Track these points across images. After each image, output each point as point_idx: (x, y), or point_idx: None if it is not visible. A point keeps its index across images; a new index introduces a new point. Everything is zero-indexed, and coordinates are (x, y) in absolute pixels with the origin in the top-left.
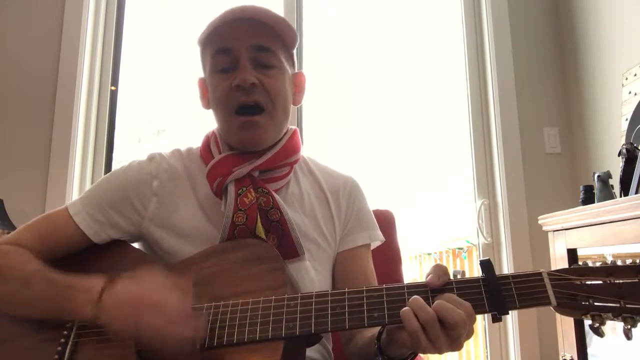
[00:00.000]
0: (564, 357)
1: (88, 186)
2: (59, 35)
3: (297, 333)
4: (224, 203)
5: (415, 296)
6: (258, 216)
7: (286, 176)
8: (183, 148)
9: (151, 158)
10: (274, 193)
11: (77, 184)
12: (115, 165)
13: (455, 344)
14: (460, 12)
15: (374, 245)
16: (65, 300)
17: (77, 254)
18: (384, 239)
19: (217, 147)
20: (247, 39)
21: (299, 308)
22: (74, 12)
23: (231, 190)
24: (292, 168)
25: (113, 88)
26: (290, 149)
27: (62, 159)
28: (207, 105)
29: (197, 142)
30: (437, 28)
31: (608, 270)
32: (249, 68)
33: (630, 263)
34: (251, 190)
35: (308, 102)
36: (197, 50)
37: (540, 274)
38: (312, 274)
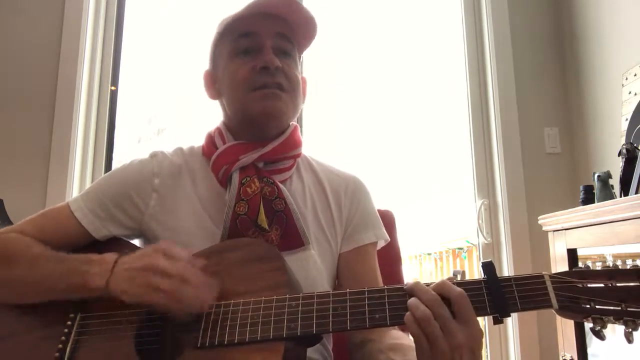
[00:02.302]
0: (564, 357)
1: (88, 186)
2: (59, 35)
3: (299, 333)
4: (227, 192)
5: (416, 280)
6: (262, 206)
7: (290, 169)
8: (185, 147)
9: (153, 155)
10: (279, 183)
11: (77, 184)
12: (115, 165)
13: (465, 333)
14: (460, 12)
15: (380, 245)
16: (77, 273)
17: (78, 251)
18: (389, 239)
19: (222, 138)
20: (273, 26)
21: (300, 308)
22: (74, 12)
23: (235, 179)
24: (296, 161)
25: (113, 88)
26: (293, 142)
27: (62, 159)
28: (214, 95)
29: (197, 142)
30: (437, 28)
31: (610, 273)
32: (272, 53)
33: (632, 267)
34: (255, 180)
35: (309, 102)
36: (196, 50)
37: (542, 276)
38: (319, 263)
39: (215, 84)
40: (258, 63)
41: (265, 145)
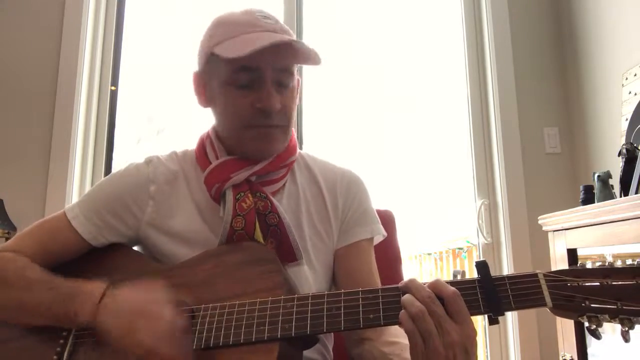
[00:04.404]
0: (564, 357)
1: (88, 186)
2: (59, 35)
3: (293, 334)
4: (222, 208)
5: (411, 278)
6: (256, 221)
7: (283, 177)
8: (179, 150)
9: (148, 161)
10: (271, 197)
11: (77, 184)
12: (115, 166)
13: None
14: (460, 12)
15: (377, 240)
16: (67, 303)
17: (77, 258)
18: (386, 234)
19: (214, 151)
20: (274, 60)
21: (295, 309)
22: (74, 12)
23: (229, 195)
24: (290, 169)
25: (113, 88)
26: (287, 152)
27: (62, 159)
28: (205, 103)
29: (195, 143)
30: (437, 28)
31: (605, 272)
32: (273, 91)
33: (628, 265)
34: (249, 195)
35: (308, 102)
36: (195, 50)
37: (536, 274)
38: (310, 278)
39: (205, 89)
40: (257, 102)
41: (257, 162)
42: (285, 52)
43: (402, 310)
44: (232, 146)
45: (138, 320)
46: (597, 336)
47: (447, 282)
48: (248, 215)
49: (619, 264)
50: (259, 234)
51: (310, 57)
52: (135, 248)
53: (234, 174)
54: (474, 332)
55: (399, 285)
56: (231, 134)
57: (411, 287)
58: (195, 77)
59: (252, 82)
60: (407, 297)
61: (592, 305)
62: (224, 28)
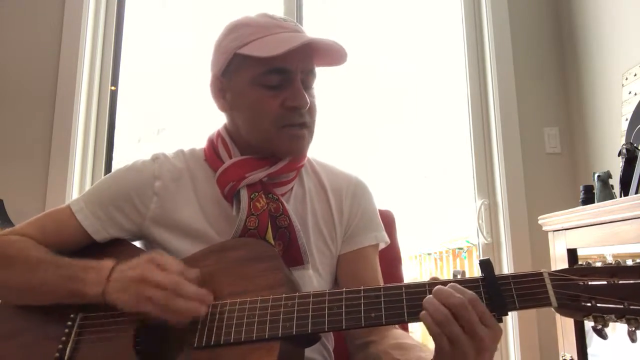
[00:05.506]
0: (564, 357)
1: (88, 186)
2: (59, 35)
3: (294, 333)
4: (235, 207)
5: (434, 277)
6: (269, 222)
7: (292, 180)
8: (186, 149)
9: (155, 158)
10: (282, 200)
11: (77, 184)
12: (115, 165)
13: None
14: (460, 12)
15: (379, 247)
16: (75, 280)
17: (78, 252)
18: (389, 241)
19: (227, 151)
20: (303, 62)
21: (296, 308)
22: (74, 12)
23: (244, 194)
24: (299, 172)
25: (113, 88)
26: (301, 157)
27: (62, 159)
28: (224, 107)
29: (196, 142)
30: (437, 28)
31: (611, 270)
32: (302, 90)
33: (635, 264)
34: (262, 195)
35: None
36: (195, 50)
37: (541, 274)
38: (315, 282)
39: (224, 94)
40: (287, 101)
41: (272, 164)
42: (310, 54)
43: (424, 312)
44: (250, 146)
45: (146, 283)
46: (603, 336)
47: (452, 281)
48: (261, 216)
49: (629, 262)
50: (270, 235)
51: (341, 56)
52: (137, 244)
53: (249, 173)
54: (500, 333)
55: (427, 282)
56: (260, 135)
57: (440, 294)
58: (213, 80)
59: (281, 82)
60: (430, 301)
61: (598, 305)
62: (249, 29)
